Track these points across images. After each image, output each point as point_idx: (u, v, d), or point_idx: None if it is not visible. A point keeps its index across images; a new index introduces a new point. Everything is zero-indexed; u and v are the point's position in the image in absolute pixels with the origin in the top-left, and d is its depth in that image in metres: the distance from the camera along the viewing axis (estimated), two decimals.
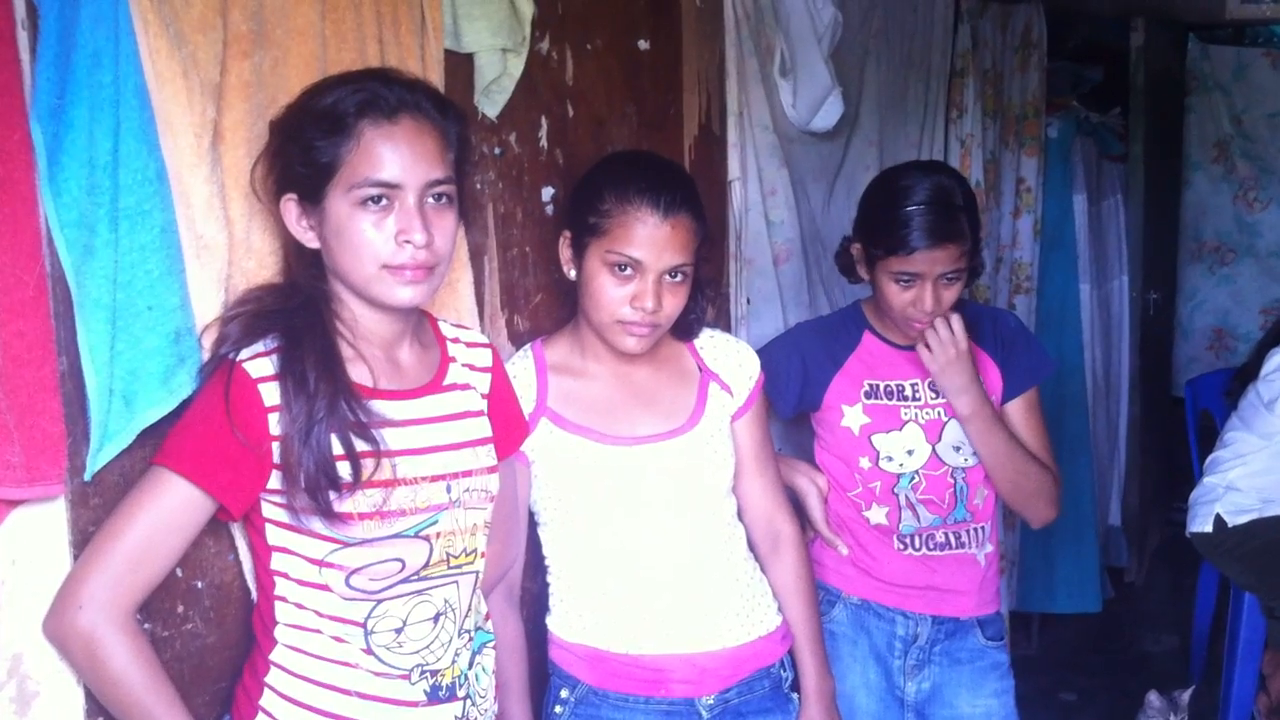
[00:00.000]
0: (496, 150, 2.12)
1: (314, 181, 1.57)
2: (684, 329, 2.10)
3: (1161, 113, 5.35)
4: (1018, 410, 2.42)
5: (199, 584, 1.68)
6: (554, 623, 2.10)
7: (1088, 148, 4.92)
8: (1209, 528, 3.84)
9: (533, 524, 2.11)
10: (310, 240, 1.62)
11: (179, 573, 1.64)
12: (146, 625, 1.60)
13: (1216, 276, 6.02)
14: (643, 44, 2.46)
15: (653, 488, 2.02)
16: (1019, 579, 4.44)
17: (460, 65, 2.02)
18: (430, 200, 1.60)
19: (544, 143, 2.22)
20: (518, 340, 2.18)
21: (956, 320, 2.27)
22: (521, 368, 2.06)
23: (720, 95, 2.72)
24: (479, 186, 2.09)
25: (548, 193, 2.24)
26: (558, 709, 2.06)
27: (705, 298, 2.14)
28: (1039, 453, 2.39)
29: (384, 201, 1.57)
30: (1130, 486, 5.28)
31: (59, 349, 1.47)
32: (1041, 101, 4.38)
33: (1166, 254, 5.69)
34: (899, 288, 2.27)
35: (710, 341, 2.16)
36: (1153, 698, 3.61)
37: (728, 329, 2.70)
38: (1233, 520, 3.79)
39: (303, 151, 1.57)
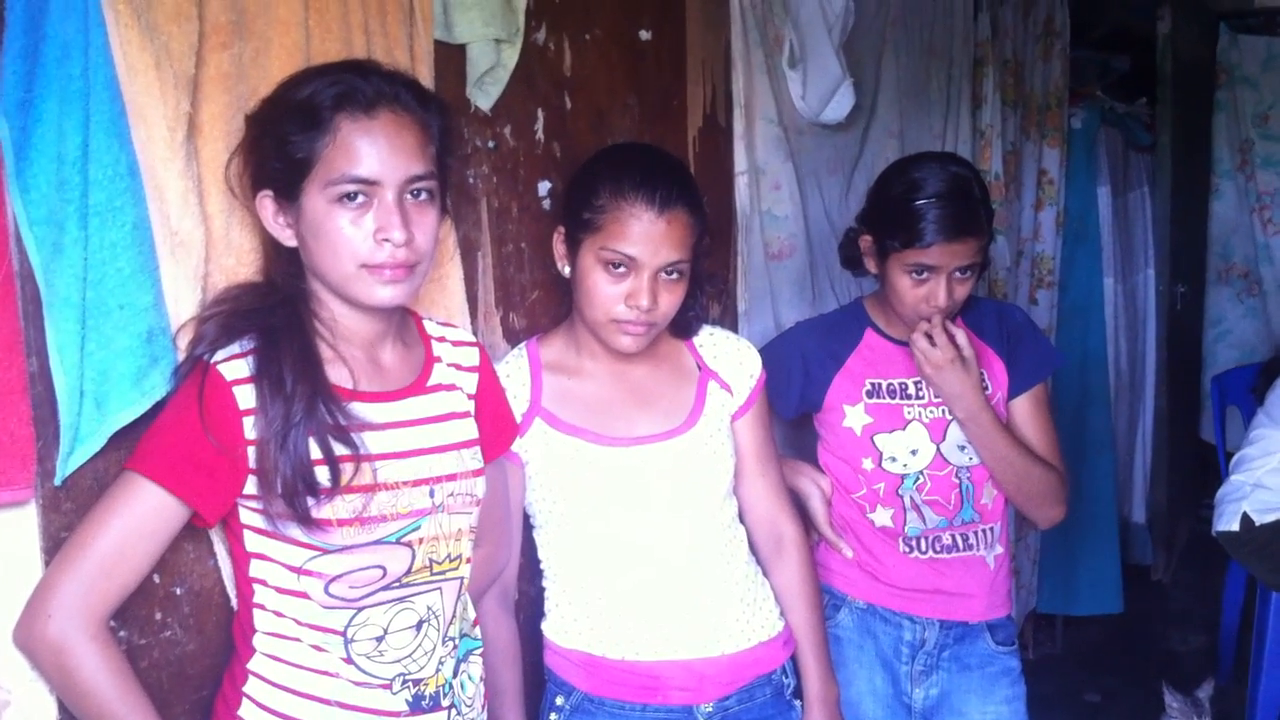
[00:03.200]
0: (490, 143, 2.07)
1: (290, 177, 1.53)
2: (683, 327, 2.05)
3: (1190, 103, 5.26)
4: (1024, 407, 2.35)
5: (178, 590, 1.64)
6: (549, 628, 2.05)
7: (1113, 138, 4.85)
8: (1236, 526, 3.76)
9: (529, 526, 2.06)
10: (287, 238, 1.58)
11: (156, 579, 1.60)
12: (123, 633, 1.56)
13: (1244, 306, 5.81)
14: (644, 34, 2.41)
15: (650, 489, 1.97)
16: (1039, 580, 4.37)
17: (452, 56, 1.98)
18: (410, 196, 1.55)
19: (540, 135, 2.17)
20: (513, 338, 2.14)
21: (942, 330, 2.21)
22: (515, 367, 2.01)
23: (726, 86, 2.66)
24: (472, 180, 2.05)
25: (544, 187, 2.19)
26: (553, 716, 2.02)
27: (705, 294, 2.09)
28: (1045, 451, 2.33)
29: (361, 198, 1.52)
30: (1157, 483, 5.21)
31: (28, 350, 1.45)
32: (1064, 91, 4.31)
33: (1195, 247, 5.58)
34: (912, 281, 2.21)
35: (710, 339, 2.10)
36: (1171, 699, 3.54)
37: (734, 326, 2.64)
38: (1260, 519, 3.71)
39: (278, 146, 1.53)
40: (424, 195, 1.57)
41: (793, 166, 2.83)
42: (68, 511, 1.50)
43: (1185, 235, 5.29)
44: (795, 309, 2.86)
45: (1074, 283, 4.54)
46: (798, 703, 2.13)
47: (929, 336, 2.21)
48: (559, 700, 2.02)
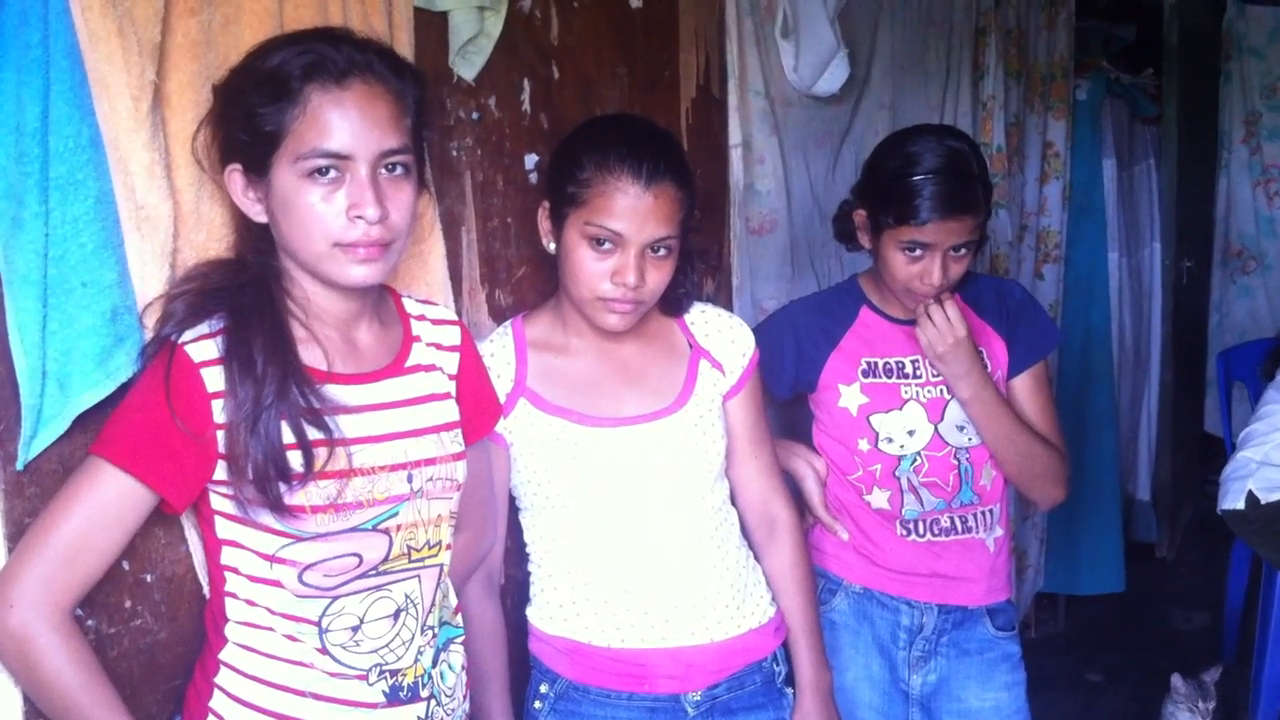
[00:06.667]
0: (474, 115, 2.02)
1: (258, 151, 1.47)
2: (672, 304, 2.00)
3: (1197, 74, 5.19)
4: (1024, 385, 2.30)
5: (148, 577, 1.59)
6: (534, 614, 2.00)
7: (1119, 110, 4.78)
8: (1241, 504, 3.72)
9: (514, 509, 2.01)
10: (257, 214, 1.52)
11: (126, 566, 1.55)
12: (91, 621, 1.52)
13: (1238, 286, 5.75)
14: (635, 1, 2.35)
15: (638, 471, 1.92)
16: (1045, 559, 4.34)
17: (433, 24, 1.92)
18: (384, 171, 1.49)
19: (527, 106, 2.12)
20: (499, 316, 2.09)
21: (952, 305, 2.16)
22: (499, 345, 1.96)
23: (720, 55, 2.60)
24: (455, 153, 1.99)
25: (531, 160, 2.13)
26: (537, 704, 1.97)
27: (696, 270, 2.03)
28: (1045, 430, 2.28)
29: (333, 173, 1.46)
30: (1161, 460, 5.18)
31: None
32: (1069, 62, 4.24)
33: (1202, 222, 5.52)
34: (906, 258, 2.15)
35: (701, 316, 2.05)
36: (1177, 682, 3.50)
37: (728, 302, 2.58)
38: (1266, 497, 3.67)
39: (245, 119, 1.47)
40: (399, 170, 1.51)
41: (777, 140, 2.77)
42: (31, 497, 1.45)
43: (1191, 209, 5.23)
44: (774, 286, 2.81)
45: (1078, 257, 4.48)
46: (790, 690, 2.08)
47: (933, 317, 2.15)
48: (543, 688, 1.97)
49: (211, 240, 1.60)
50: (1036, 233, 4.21)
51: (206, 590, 1.61)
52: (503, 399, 1.90)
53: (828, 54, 2.73)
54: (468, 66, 1.98)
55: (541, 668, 1.98)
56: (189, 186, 1.57)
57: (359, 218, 1.47)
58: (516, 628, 2.02)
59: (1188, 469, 5.36)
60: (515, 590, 2.09)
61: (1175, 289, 5.08)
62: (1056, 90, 4.19)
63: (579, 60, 2.22)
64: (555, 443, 1.91)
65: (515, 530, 2.03)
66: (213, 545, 1.54)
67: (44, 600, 1.40)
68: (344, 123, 1.45)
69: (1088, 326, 4.50)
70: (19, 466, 1.43)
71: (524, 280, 2.14)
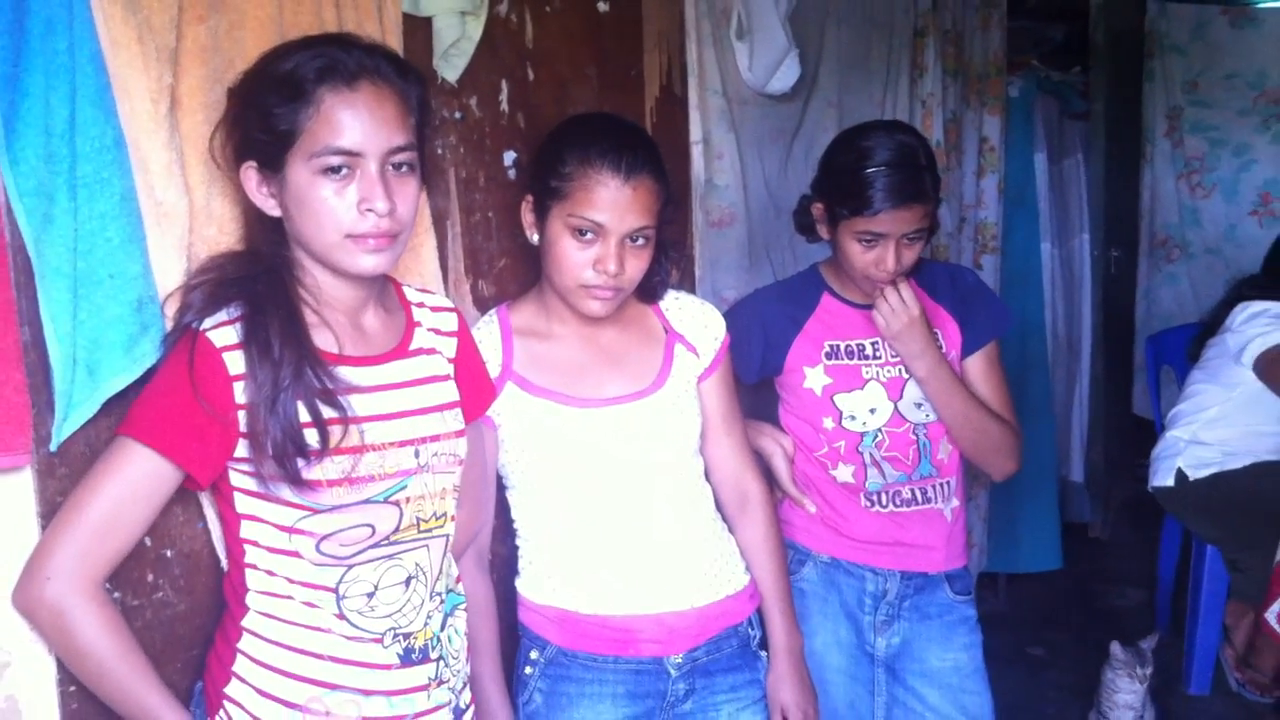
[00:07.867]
0: (457, 114, 2.11)
1: (273, 149, 1.56)
2: (648, 291, 2.11)
3: (1123, 71, 5.36)
4: (978, 365, 2.43)
5: (168, 552, 1.68)
6: (523, 585, 2.11)
7: (1049, 106, 4.94)
8: (1170, 482, 3.88)
9: (502, 487, 2.11)
10: (271, 208, 1.61)
11: (148, 542, 1.63)
12: (116, 595, 1.59)
13: (1164, 274, 5.93)
14: (602, 5, 2.46)
15: (620, 449, 2.03)
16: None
17: (418, 29, 2.01)
18: (392, 167, 1.59)
19: (505, 106, 2.22)
20: (483, 305, 2.18)
21: (906, 287, 2.29)
22: (486, 332, 2.06)
23: (681, 56, 2.71)
24: (440, 151, 2.08)
25: (510, 157, 2.23)
26: (528, 670, 2.07)
27: (669, 260, 2.14)
28: (999, 407, 2.41)
29: (345, 170, 1.56)
30: (1094, 443, 5.32)
31: (21, 319, 1.46)
32: (1003, 60, 4.38)
33: (1128, 212, 5.70)
34: (862, 247, 2.28)
35: (675, 303, 2.16)
36: (1116, 649, 3.64)
37: (691, 292, 2.69)
38: (1194, 474, 3.83)
39: (261, 119, 1.56)
40: (405, 167, 1.60)
41: (734, 137, 2.89)
42: (62, 477, 1.52)
43: (1119, 201, 5.40)
44: (734, 276, 2.93)
45: (1013, 248, 4.63)
46: (763, 653, 2.20)
47: (888, 298, 2.27)
48: (534, 655, 2.07)
49: (222, 234, 1.68)
50: (975, 225, 4.35)
51: (225, 564, 1.70)
52: (492, 381, 1.99)
53: (780, 54, 2.85)
54: (450, 69, 2.08)
55: (531, 635, 2.08)
56: (200, 184, 1.65)
57: (369, 210, 1.56)
58: (504, 600, 2.12)
59: (1119, 452, 5.52)
60: (502, 565, 2.18)
61: (1104, 277, 5.24)
62: (991, 88, 4.33)
63: (553, 62, 2.33)
64: (541, 423, 2.01)
65: (499, 508, 2.12)
66: (232, 520, 1.63)
67: (78, 573, 1.48)
68: (355, 122, 1.55)
69: (1024, 315, 4.64)
70: (52, 448, 1.49)
71: (505, 271, 2.24)
